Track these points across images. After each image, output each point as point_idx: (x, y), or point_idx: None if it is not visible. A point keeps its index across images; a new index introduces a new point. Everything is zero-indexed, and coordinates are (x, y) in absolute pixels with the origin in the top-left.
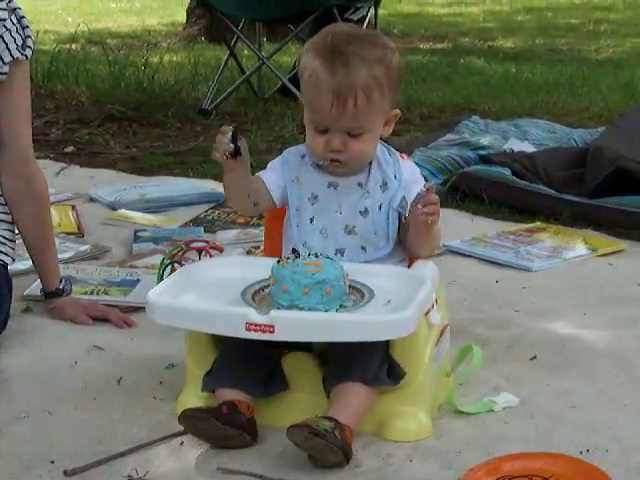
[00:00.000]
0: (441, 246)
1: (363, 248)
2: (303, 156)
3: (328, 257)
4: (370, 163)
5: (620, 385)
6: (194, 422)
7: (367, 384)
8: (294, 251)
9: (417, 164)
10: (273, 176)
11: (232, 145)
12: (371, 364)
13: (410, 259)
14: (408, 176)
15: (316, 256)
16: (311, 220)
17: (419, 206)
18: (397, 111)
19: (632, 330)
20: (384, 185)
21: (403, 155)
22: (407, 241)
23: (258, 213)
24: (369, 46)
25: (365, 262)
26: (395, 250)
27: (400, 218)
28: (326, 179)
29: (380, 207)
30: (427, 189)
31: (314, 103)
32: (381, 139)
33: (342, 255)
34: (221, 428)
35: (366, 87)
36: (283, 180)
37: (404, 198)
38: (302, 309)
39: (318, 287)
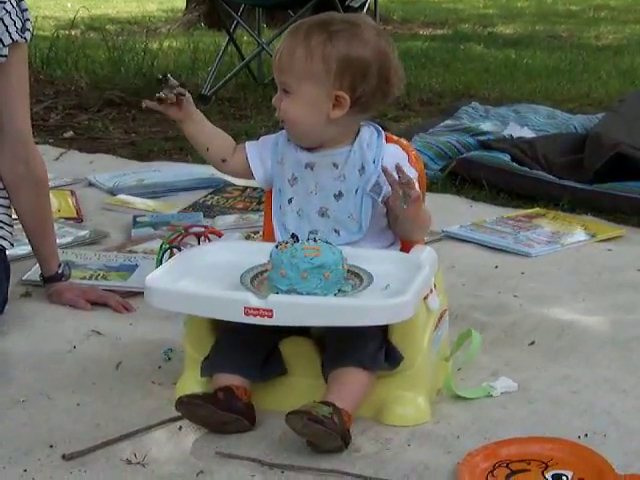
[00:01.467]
0: (440, 231)
1: (336, 231)
2: (289, 138)
3: (327, 241)
4: (352, 145)
5: (619, 370)
6: (191, 408)
7: (365, 368)
8: (293, 235)
9: (417, 150)
10: (261, 152)
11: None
12: (369, 348)
13: (403, 243)
14: (388, 161)
15: (315, 241)
16: (289, 201)
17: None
18: (342, 93)
19: (631, 315)
20: (362, 169)
21: (392, 137)
22: (397, 228)
23: (230, 172)
24: (329, 23)
25: (340, 245)
26: (383, 234)
27: (374, 203)
28: (304, 160)
29: (357, 191)
30: (383, 170)
31: None
32: (379, 124)
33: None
34: (218, 414)
35: (292, 47)
36: (271, 160)
37: (377, 183)
38: (301, 294)
39: (317, 272)
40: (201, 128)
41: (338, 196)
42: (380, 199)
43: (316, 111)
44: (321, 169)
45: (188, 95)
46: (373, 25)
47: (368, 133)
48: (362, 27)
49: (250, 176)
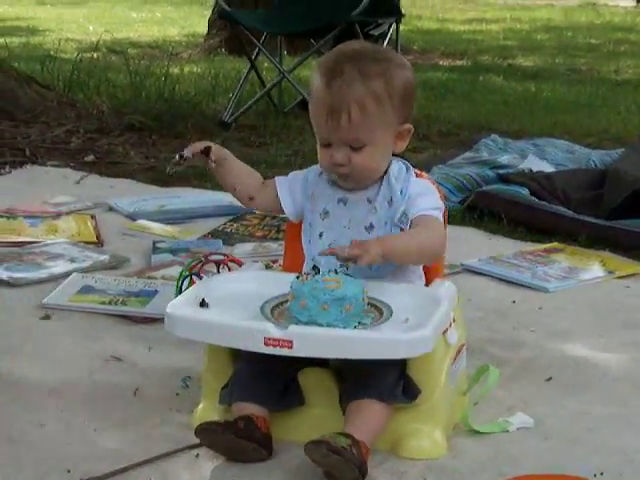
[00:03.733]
0: (459, 264)
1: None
2: (321, 173)
3: (347, 274)
4: (382, 179)
5: (635, 408)
6: (210, 435)
7: (383, 401)
8: (314, 267)
9: (437, 182)
10: (291, 187)
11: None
12: (387, 381)
13: (427, 277)
14: (414, 191)
15: (335, 272)
16: (320, 235)
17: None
18: (409, 126)
19: None
20: (390, 201)
21: (422, 174)
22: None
23: (258, 208)
24: (370, 61)
25: (372, 278)
26: (410, 266)
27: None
28: (337, 195)
29: (386, 223)
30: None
31: (314, 118)
32: (399, 155)
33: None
34: (237, 442)
35: (360, 101)
36: (301, 196)
37: (404, 213)
38: (321, 325)
39: (337, 303)
40: (229, 170)
41: (369, 228)
42: (406, 227)
43: (386, 153)
44: (355, 204)
45: (215, 146)
46: (386, 49)
47: (397, 167)
48: (391, 54)
49: (279, 211)
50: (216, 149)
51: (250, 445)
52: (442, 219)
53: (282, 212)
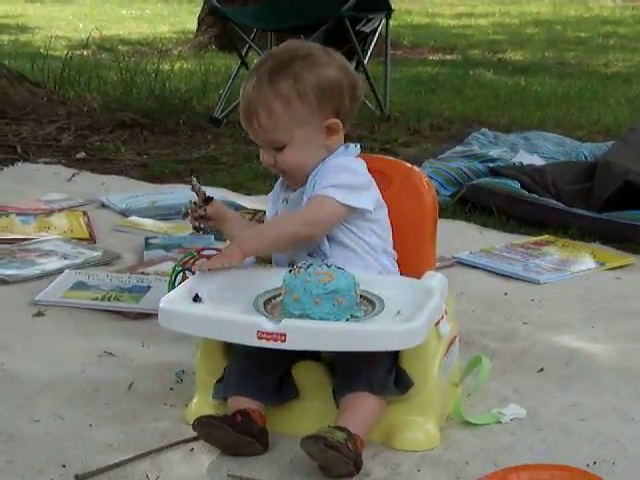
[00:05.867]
0: (450, 257)
1: (310, 255)
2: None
3: (339, 267)
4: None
5: (627, 398)
6: (208, 429)
7: (375, 393)
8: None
9: (428, 176)
10: (272, 198)
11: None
12: (379, 373)
13: (419, 269)
14: (325, 169)
15: (328, 266)
16: None
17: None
18: (334, 121)
19: (639, 344)
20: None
21: (413, 167)
22: None
23: None
24: (283, 62)
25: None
26: (361, 255)
27: None
28: (283, 196)
29: None
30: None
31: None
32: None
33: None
34: (235, 436)
35: (266, 104)
36: (274, 206)
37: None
38: (313, 318)
39: (330, 297)
40: (233, 226)
41: None
42: None
43: (314, 148)
44: (294, 201)
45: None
46: (320, 47)
47: (339, 156)
48: (315, 53)
49: None
50: (216, 204)
51: (247, 439)
52: (342, 196)
53: None
